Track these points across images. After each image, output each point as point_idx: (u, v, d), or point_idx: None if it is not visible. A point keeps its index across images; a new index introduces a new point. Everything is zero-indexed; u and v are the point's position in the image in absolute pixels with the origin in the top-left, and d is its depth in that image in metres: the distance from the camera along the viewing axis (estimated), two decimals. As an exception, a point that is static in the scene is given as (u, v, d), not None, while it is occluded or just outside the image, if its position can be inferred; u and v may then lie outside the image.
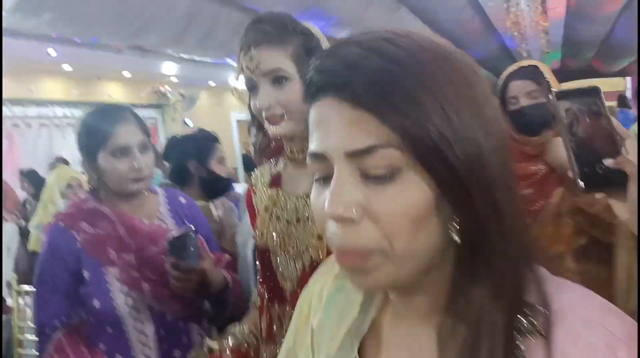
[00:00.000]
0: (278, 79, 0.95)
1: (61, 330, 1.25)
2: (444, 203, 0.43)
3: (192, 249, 1.23)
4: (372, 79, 0.41)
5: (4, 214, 3.96)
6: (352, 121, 0.42)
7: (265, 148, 1.01)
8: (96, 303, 1.24)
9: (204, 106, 7.62)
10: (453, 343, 0.45)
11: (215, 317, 1.39)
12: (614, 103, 7.65)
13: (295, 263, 0.99)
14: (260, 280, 1.07)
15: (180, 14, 4.12)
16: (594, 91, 0.68)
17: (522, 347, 0.42)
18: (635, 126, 4.56)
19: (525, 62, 1.65)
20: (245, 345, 1.07)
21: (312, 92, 0.46)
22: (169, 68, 6.49)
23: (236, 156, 7.72)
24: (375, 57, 0.42)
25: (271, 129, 0.98)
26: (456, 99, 0.42)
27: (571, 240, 1.50)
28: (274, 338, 1.03)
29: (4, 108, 5.57)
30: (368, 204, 0.42)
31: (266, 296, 1.05)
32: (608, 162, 0.68)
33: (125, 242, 1.28)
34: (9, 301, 2.93)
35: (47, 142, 6.03)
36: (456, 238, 0.44)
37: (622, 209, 0.72)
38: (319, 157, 0.45)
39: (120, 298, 1.25)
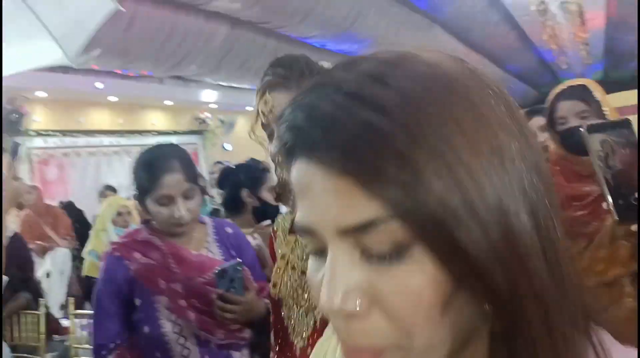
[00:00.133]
0: None
1: (116, 352, 1.32)
2: None
3: (237, 281, 1.29)
4: (352, 138, 0.31)
5: (57, 240, 4.16)
6: (339, 190, 0.32)
7: (281, 194, 0.99)
8: (146, 329, 1.31)
9: (242, 131, 7.81)
10: None
11: (258, 345, 1.43)
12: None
13: (307, 317, 0.96)
14: (272, 332, 1.06)
15: (218, 44, 4.29)
16: (626, 123, 0.69)
17: None
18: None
19: (574, 82, 1.59)
20: None
21: (286, 151, 0.36)
22: (208, 95, 6.72)
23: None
24: (356, 106, 0.32)
25: None
26: (468, 151, 0.31)
27: (628, 262, 1.44)
28: None
29: (56, 139, 5.91)
30: (374, 291, 0.32)
31: (277, 349, 1.03)
32: None
33: (174, 272, 1.34)
34: (66, 322, 3.07)
35: (95, 169, 6.36)
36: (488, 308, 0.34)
37: None
38: (309, 231, 0.35)
39: (168, 326, 1.31)
